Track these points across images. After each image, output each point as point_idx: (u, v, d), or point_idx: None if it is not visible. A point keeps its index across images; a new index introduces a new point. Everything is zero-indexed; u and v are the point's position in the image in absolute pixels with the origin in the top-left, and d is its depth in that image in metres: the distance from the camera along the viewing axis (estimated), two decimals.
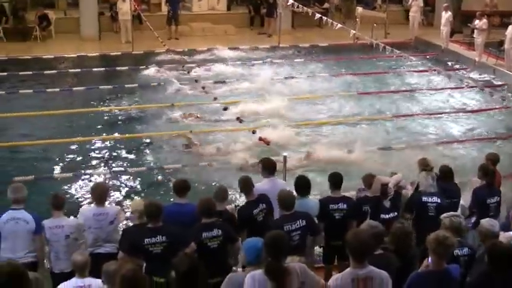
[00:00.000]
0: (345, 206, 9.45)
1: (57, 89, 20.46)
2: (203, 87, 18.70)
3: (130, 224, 9.52)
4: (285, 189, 9.03)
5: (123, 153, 15.87)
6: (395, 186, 9.54)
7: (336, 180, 9.65)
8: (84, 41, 26.03)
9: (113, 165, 15.14)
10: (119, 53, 24.78)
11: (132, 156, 15.70)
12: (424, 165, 10.02)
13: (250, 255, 6.77)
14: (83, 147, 16.13)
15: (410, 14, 28.08)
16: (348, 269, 6.51)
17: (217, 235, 8.20)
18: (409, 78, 22.73)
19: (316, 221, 9.05)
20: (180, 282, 5.91)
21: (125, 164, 15.19)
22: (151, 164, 15.14)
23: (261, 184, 9.59)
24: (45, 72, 22.06)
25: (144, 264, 8.08)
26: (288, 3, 23.82)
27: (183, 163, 14.88)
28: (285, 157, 12.30)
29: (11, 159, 15.50)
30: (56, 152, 15.70)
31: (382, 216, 8.97)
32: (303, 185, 9.44)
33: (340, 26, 21.67)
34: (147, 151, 16.02)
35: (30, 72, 21.95)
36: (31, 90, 20.08)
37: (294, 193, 9.17)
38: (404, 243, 7.36)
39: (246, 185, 9.23)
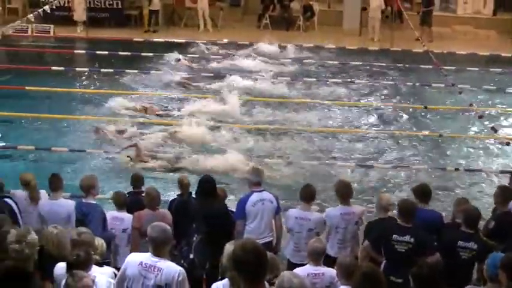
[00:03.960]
0: None
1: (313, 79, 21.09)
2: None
3: None
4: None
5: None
6: None
7: None
8: (345, 35, 26.41)
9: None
10: (376, 48, 24.89)
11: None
12: None
13: (491, 270, 6.48)
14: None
15: None
16: None
17: (472, 248, 7.97)
18: None
19: None
20: None
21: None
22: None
23: None
24: (305, 61, 22.85)
25: (384, 262, 8.12)
26: None
27: None
28: None
29: None
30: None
31: None
32: None
33: None
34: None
35: (289, 60, 22.89)
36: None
37: None
38: None
39: None
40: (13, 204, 9.26)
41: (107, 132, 15.92)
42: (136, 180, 10.05)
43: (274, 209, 9.23)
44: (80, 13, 26.36)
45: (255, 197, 9.16)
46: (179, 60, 22.42)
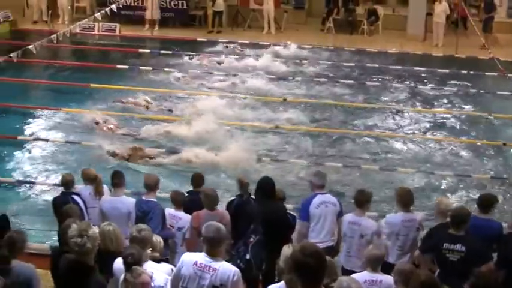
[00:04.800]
0: None
1: (377, 83, 21.00)
2: None
3: None
4: None
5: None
6: None
7: None
8: (408, 40, 26.10)
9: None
10: (441, 55, 24.52)
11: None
12: None
13: None
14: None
15: None
16: None
17: None
18: None
19: None
20: None
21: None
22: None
23: None
24: (368, 65, 22.74)
25: (437, 271, 8.01)
26: None
27: None
28: None
29: None
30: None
31: None
32: None
33: None
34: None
35: (353, 64, 22.84)
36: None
37: None
38: None
39: None
40: (80, 201, 9.47)
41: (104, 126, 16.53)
42: (198, 180, 10.08)
43: (337, 212, 9.28)
44: (151, 12, 26.73)
45: (318, 199, 9.20)
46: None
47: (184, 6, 27.64)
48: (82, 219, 8.67)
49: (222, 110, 17.89)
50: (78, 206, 9.20)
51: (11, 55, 15.71)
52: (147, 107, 17.94)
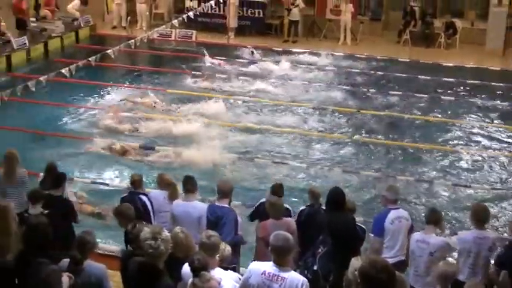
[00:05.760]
0: None
1: (452, 98, 20.62)
2: None
3: None
4: None
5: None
6: None
7: None
8: (487, 55, 25.57)
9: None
10: None
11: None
12: None
13: None
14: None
15: None
16: None
17: None
18: None
19: None
20: None
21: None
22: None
23: None
24: (444, 79, 22.33)
25: None
26: None
27: None
28: None
29: None
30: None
31: None
32: None
33: None
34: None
35: (429, 77, 22.46)
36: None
37: None
38: None
39: None
40: (147, 202, 9.61)
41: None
42: (277, 189, 9.89)
43: (409, 227, 9.27)
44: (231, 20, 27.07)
45: (392, 214, 9.19)
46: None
47: (261, 15, 27.81)
48: (149, 221, 8.85)
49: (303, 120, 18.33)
50: (145, 207, 9.41)
51: (90, 59, 16.10)
52: (154, 107, 18.36)
